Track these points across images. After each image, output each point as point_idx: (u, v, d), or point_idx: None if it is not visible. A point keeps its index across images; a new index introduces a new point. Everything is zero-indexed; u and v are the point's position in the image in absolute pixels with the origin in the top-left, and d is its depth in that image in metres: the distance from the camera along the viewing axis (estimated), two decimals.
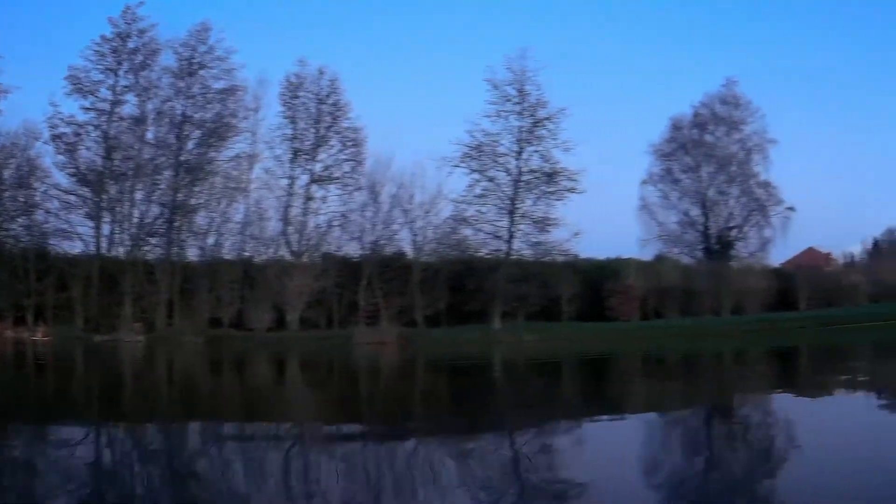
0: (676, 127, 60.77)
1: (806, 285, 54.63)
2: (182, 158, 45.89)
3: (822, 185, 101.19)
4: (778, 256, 62.74)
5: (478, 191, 45.86)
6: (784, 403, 12.77)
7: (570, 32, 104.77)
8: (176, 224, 45.52)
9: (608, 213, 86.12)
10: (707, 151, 59.69)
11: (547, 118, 45.97)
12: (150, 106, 46.08)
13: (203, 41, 46.13)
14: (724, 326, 44.67)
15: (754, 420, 11.14)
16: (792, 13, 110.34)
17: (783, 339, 35.86)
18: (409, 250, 48.14)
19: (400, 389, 18.08)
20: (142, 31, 45.54)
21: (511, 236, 45.66)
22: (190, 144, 46.43)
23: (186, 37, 46.01)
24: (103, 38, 45.13)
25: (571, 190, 45.26)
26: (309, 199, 47.10)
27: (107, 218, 45.29)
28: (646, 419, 11.41)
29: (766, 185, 59.59)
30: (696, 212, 59.68)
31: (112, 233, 45.37)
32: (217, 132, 46.27)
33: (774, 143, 59.85)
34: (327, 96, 47.47)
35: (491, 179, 46.06)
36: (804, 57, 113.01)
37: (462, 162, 45.53)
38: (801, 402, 13.24)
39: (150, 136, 46.41)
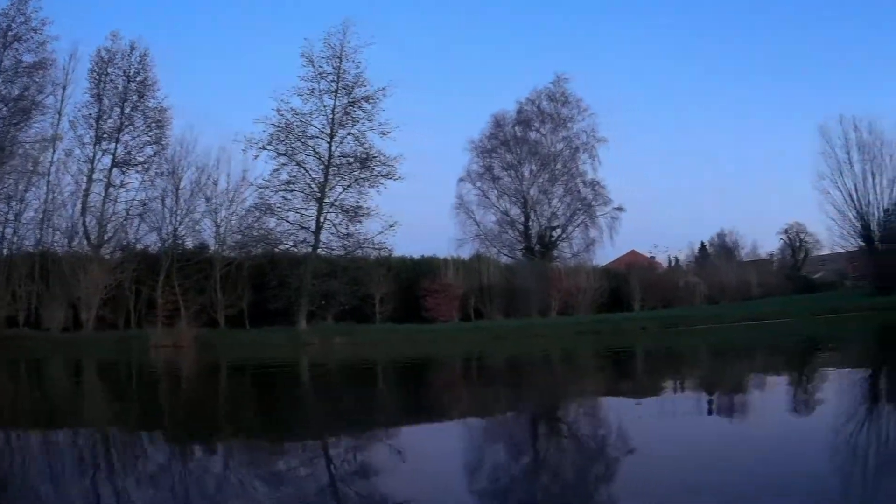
0: (499, 123, 64.47)
1: (640, 285, 57.76)
2: None
3: (647, 188, 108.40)
4: (604, 257, 67.34)
5: (284, 176, 45.93)
6: (615, 409, 13.29)
7: (395, 18, 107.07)
8: None
9: (424, 210, 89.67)
10: (530, 149, 63.47)
11: (364, 98, 46.31)
12: None
13: (22, 11, 45.63)
14: (554, 328, 45.33)
15: (580, 430, 11.57)
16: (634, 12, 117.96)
17: (625, 340, 36.98)
18: (211, 243, 48.08)
19: (185, 400, 18.03)
20: None
21: (319, 227, 45.52)
22: None
23: (6, 7, 45.54)
24: None
25: (387, 176, 45.92)
26: (110, 185, 46.48)
27: None
28: (464, 429, 11.87)
29: (593, 184, 64.35)
30: (516, 211, 63.65)
31: None
32: (22, 109, 45.65)
33: (605, 142, 64.39)
34: (136, 74, 47.36)
35: (299, 164, 46.17)
36: (643, 65, 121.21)
37: (269, 144, 45.51)
38: (631, 406, 13.65)
39: None
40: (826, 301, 53.80)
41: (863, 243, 59.17)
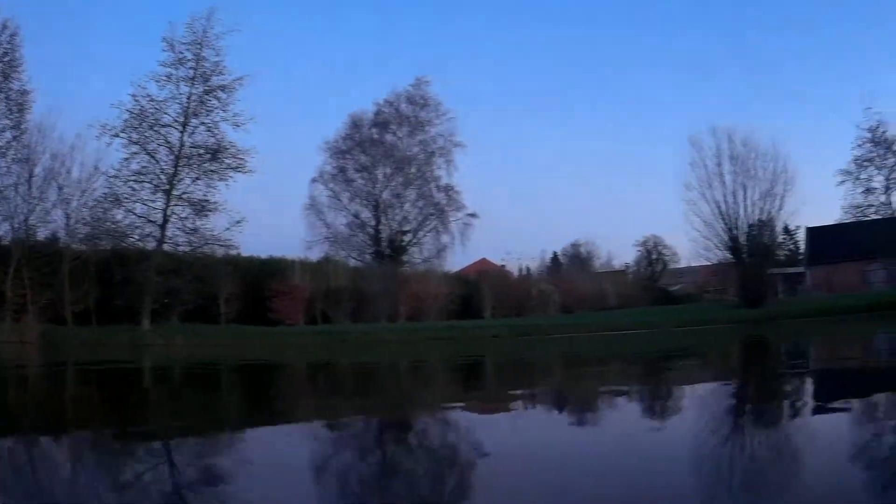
0: (356, 124, 67.08)
1: (492, 293, 60.72)
2: None
3: (501, 196, 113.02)
4: (455, 264, 69.70)
5: (135, 165, 46.73)
6: (469, 418, 13.08)
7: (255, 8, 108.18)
8: None
9: (275, 210, 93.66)
10: (386, 151, 65.92)
11: (221, 87, 47.98)
12: None
13: None
14: (403, 333, 47.29)
15: (432, 438, 11.16)
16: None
17: (476, 348, 36.94)
18: (62, 234, 48.75)
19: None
20: None
21: (166, 220, 46.57)
22: None
23: None
24: None
25: (237, 169, 47.69)
26: None
27: None
28: (310, 437, 11.30)
29: (447, 189, 67.06)
30: (367, 214, 66.13)
31: None
32: None
33: (462, 147, 67.14)
34: (4, 54, 47.22)
35: (150, 153, 47.05)
36: (504, 70, 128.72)
37: (123, 131, 46.18)
38: (488, 416, 13.52)
39: None
40: (691, 313, 57.05)
41: (730, 256, 62.58)
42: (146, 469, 8.63)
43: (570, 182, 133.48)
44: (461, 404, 15.23)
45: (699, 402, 14.31)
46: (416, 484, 7.84)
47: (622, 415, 12.90)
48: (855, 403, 12.26)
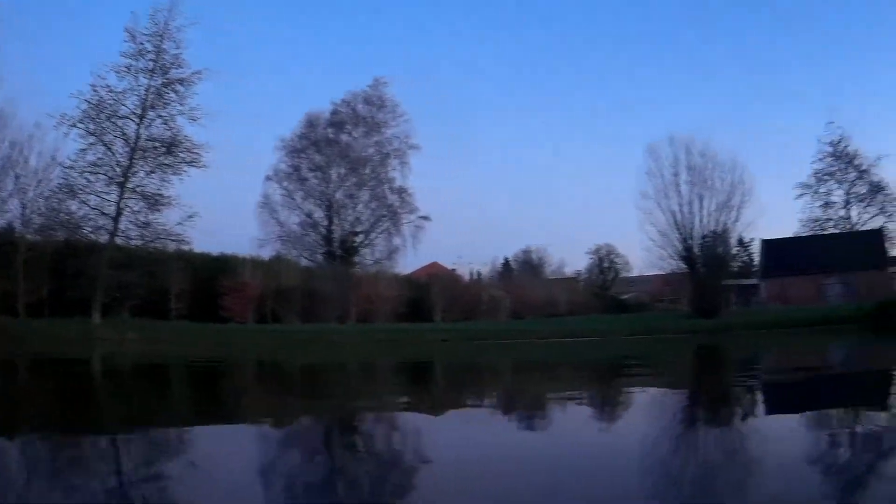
0: (312, 123, 67.59)
1: (442, 296, 61.76)
2: None
3: (455, 200, 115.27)
4: (406, 266, 70.41)
5: (90, 157, 47.06)
6: (416, 422, 12.68)
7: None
8: None
9: (229, 207, 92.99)
10: (340, 151, 66.42)
11: (179, 80, 48.56)
12: None
13: None
14: (352, 335, 47.37)
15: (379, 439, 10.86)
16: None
17: (426, 351, 36.51)
18: (17, 225, 49.02)
19: None
20: None
21: (119, 213, 46.79)
22: None
23: None
24: None
25: (192, 163, 48.21)
26: None
27: None
28: (255, 436, 10.94)
29: (400, 191, 67.60)
30: (320, 214, 66.52)
31: None
32: None
33: (417, 149, 67.93)
34: None
35: (107, 145, 47.38)
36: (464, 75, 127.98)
37: (80, 122, 46.57)
38: (433, 420, 13.07)
39: None
40: (643, 322, 57.41)
41: (684, 266, 62.84)
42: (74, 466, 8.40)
43: (534, 188, 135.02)
44: (406, 402, 15.87)
45: (643, 409, 14.03)
46: (354, 486, 7.63)
47: (561, 421, 12.67)
48: (794, 414, 12.51)
